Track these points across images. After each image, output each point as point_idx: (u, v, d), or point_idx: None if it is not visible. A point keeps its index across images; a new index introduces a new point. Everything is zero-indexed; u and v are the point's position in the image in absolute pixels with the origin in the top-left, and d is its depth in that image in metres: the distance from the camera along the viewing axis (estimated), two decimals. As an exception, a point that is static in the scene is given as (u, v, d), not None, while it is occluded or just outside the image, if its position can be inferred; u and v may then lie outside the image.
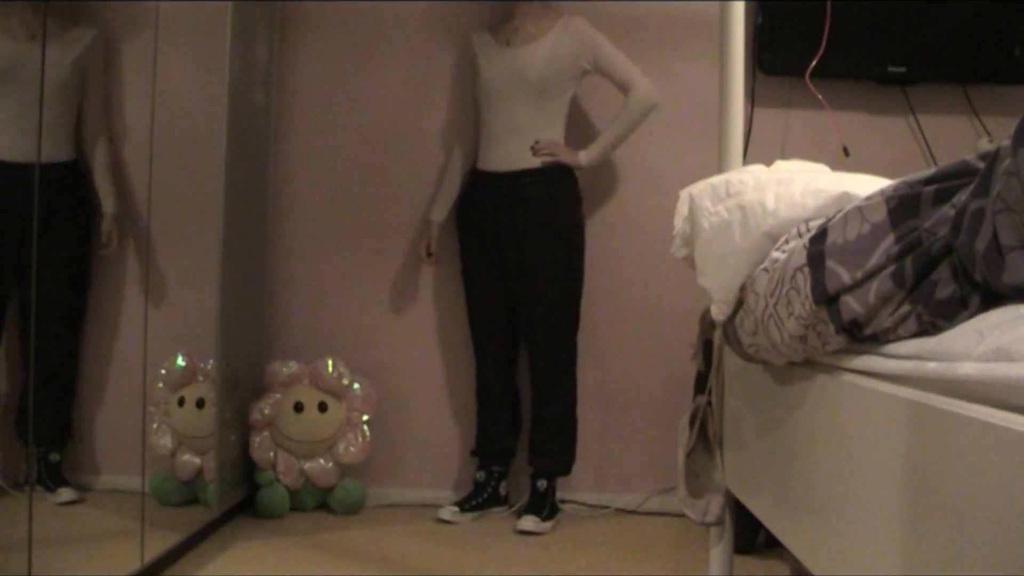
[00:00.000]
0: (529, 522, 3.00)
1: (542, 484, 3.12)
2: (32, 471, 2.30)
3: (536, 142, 3.09)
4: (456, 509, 3.11)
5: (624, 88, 3.11)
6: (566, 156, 3.10)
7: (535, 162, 3.09)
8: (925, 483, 0.93)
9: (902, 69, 3.29)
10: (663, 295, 3.31)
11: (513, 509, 3.20)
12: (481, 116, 3.19)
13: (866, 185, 1.44)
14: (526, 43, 3.12)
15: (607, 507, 3.27)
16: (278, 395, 3.14)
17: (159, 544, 2.41)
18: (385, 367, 3.33)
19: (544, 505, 3.09)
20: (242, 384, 3.10)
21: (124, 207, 2.61)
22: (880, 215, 1.13)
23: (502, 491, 3.21)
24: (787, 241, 1.46)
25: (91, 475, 2.63)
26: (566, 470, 3.19)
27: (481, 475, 3.20)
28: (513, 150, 3.10)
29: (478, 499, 3.17)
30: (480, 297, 3.22)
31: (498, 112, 3.13)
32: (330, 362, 3.19)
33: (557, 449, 3.16)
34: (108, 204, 2.54)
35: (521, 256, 3.11)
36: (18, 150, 2.19)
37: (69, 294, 2.51)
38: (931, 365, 0.97)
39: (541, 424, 3.16)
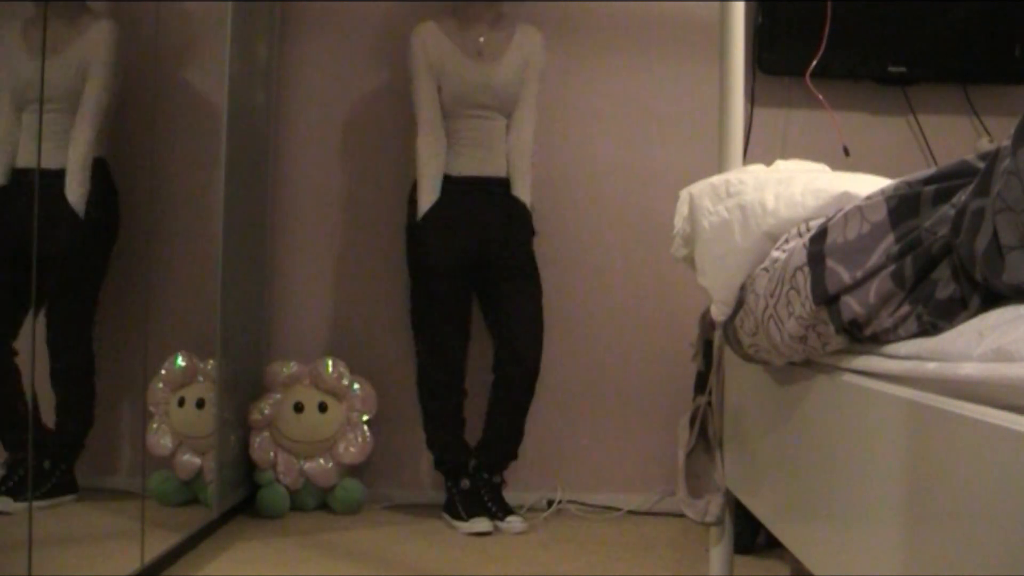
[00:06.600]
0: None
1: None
2: (30, 472, 2.30)
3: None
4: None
5: (514, 119, 3.03)
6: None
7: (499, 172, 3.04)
8: (925, 483, 0.93)
9: (902, 69, 3.29)
10: (663, 295, 3.31)
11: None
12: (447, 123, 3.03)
13: (866, 185, 1.45)
14: (495, 58, 3.02)
15: (619, 508, 3.24)
16: (278, 395, 3.14)
17: (159, 544, 2.40)
18: (385, 367, 3.33)
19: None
20: (242, 384, 3.10)
21: (124, 207, 2.60)
22: (880, 215, 1.13)
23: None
24: (787, 241, 1.46)
25: (91, 475, 2.63)
26: None
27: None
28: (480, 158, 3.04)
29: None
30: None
31: (465, 122, 3.02)
32: (330, 362, 3.19)
33: None
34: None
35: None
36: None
37: None
38: (931, 365, 0.97)
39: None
